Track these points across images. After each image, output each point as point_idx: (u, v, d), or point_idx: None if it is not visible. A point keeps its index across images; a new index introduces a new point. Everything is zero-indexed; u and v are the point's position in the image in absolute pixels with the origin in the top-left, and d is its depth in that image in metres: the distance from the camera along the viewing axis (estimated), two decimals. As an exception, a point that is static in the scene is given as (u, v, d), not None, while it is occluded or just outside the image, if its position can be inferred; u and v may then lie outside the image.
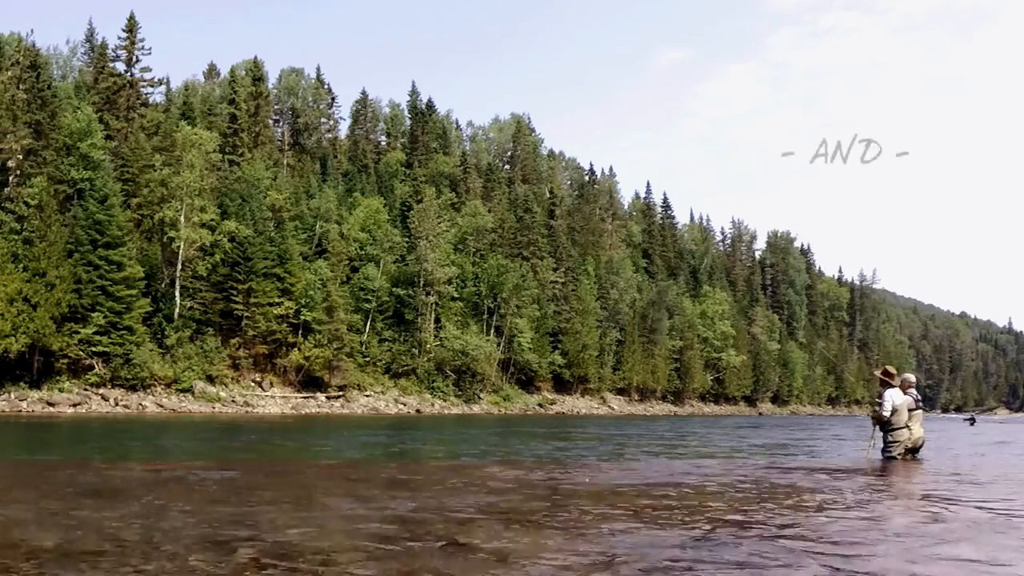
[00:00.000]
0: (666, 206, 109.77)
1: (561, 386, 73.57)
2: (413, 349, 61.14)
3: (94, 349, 42.84)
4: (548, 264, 74.74)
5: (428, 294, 61.77)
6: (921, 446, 12.48)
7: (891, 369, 12.31)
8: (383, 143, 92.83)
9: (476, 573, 4.04)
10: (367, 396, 55.85)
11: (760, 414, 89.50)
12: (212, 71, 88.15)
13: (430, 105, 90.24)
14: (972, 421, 46.40)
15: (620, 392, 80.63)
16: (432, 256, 61.77)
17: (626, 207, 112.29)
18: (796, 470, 11.24)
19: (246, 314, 50.73)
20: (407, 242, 63.23)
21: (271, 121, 79.92)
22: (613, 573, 4.04)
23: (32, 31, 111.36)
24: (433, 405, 58.13)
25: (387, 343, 60.14)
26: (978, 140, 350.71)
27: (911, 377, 12.60)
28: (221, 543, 4.74)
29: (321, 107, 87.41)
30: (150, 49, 62.25)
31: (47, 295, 40.39)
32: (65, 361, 42.22)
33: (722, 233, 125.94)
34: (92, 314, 42.69)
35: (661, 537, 5.09)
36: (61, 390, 41.53)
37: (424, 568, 4.12)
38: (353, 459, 14.64)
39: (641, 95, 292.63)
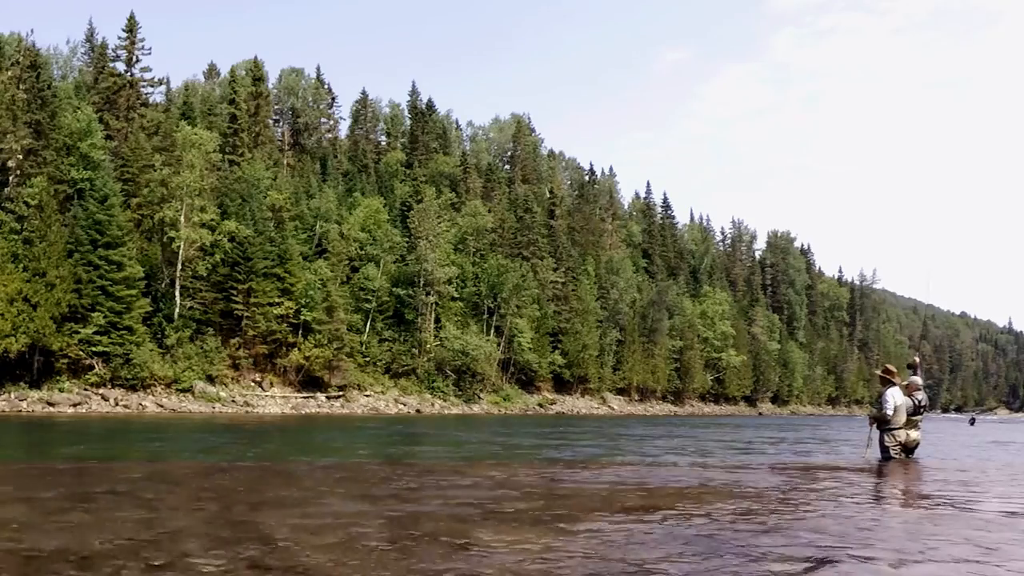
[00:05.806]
0: (666, 206, 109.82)
1: (561, 386, 73.55)
2: (413, 349, 61.12)
3: (94, 349, 42.83)
4: (548, 264, 74.71)
5: (428, 294, 61.74)
6: (916, 446, 12.41)
7: (892, 367, 12.28)
8: (383, 143, 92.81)
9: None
10: (367, 396, 55.85)
11: (760, 414, 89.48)
12: (212, 71, 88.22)
13: (430, 105, 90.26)
14: (972, 421, 46.39)
15: (620, 392, 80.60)
16: (432, 256, 61.75)
17: (626, 207, 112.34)
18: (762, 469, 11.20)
19: (246, 314, 50.73)
20: (407, 242, 63.21)
21: (271, 121, 79.89)
22: None
23: (32, 31, 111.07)
24: (433, 405, 58.10)
25: (387, 343, 60.11)
26: (978, 141, 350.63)
27: (917, 380, 12.39)
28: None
29: (321, 107, 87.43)
30: (150, 49, 62.35)
31: (47, 295, 40.38)
32: (65, 361, 42.22)
33: (722, 233, 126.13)
34: (92, 314, 42.68)
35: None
36: (61, 390, 41.53)
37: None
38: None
39: (641, 95, 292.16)
